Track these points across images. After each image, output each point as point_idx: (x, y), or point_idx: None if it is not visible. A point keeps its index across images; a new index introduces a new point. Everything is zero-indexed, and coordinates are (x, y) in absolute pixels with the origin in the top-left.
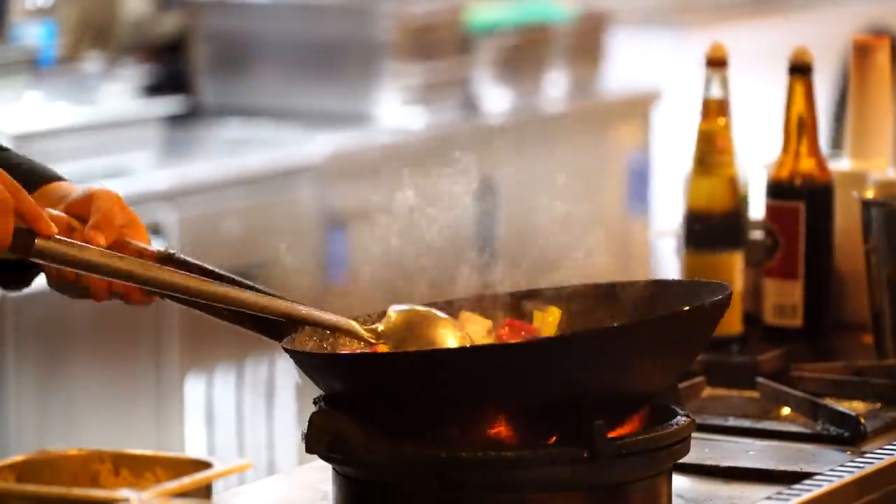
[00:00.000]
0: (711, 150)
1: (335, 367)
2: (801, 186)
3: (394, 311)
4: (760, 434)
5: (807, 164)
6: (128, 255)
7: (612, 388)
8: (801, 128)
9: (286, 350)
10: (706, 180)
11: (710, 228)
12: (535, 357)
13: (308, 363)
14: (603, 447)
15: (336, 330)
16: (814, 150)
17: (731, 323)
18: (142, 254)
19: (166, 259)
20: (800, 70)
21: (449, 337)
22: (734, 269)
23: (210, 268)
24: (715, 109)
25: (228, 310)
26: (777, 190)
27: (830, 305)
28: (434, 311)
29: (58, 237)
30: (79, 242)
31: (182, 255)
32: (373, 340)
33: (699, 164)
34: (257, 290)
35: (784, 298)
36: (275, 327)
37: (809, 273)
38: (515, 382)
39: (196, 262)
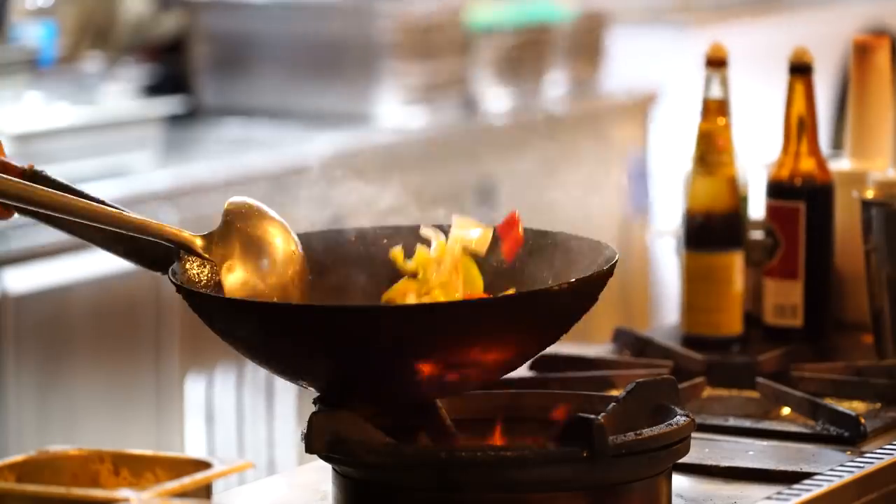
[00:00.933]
0: (711, 150)
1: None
2: (801, 186)
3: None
4: (760, 434)
5: (807, 164)
6: None
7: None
8: (801, 128)
9: (175, 283)
10: (706, 180)
11: (710, 228)
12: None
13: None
14: (602, 447)
15: (172, 242)
16: (814, 150)
17: (731, 323)
18: (6, 168)
19: (31, 176)
20: (800, 70)
21: (276, 237)
22: (734, 269)
23: (75, 187)
24: (715, 109)
25: (99, 234)
26: (777, 190)
27: (830, 305)
28: (266, 209)
29: None
30: None
31: (48, 173)
32: (207, 256)
33: (699, 164)
34: (115, 208)
35: (784, 298)
36: (147, 254)
37: (809, 273)
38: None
39: (62, 180)
